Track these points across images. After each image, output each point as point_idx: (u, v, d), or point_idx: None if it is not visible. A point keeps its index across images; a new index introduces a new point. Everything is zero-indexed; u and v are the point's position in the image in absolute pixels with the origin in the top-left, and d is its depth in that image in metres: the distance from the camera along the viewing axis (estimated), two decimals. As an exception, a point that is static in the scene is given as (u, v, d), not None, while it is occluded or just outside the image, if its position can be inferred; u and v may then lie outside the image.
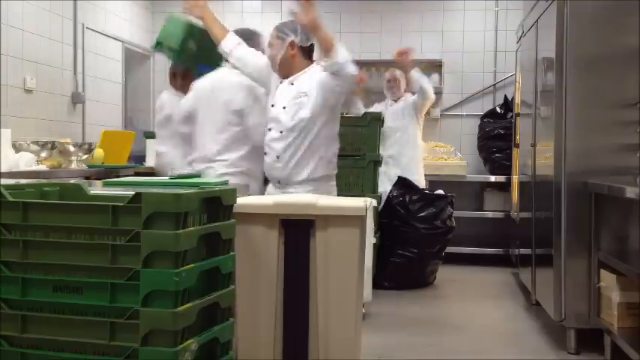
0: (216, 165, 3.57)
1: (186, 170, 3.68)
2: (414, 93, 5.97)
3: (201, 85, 3.73)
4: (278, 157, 3.37)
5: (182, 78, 4.67)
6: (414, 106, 5.91)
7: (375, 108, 6.06)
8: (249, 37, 3.70)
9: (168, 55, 4.20)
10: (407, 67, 5.83)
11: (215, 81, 3.69)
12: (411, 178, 5.70)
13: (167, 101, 4.39)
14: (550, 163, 3.88)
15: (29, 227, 1.95)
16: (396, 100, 6.06)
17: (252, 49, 3.60)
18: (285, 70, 3.43)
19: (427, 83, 5.87)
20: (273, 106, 3.42)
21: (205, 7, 3.60)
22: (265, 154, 3.44)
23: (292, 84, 3.40)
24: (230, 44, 3.55)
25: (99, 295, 1.89)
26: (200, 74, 3.96)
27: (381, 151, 5.39)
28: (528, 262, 4.72)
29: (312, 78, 3.38)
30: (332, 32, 3.30)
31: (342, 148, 5.08)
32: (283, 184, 3.40)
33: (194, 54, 4.10)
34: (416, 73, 5.82)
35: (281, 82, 3.45)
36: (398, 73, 6.05)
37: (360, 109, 5.75)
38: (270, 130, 3.41)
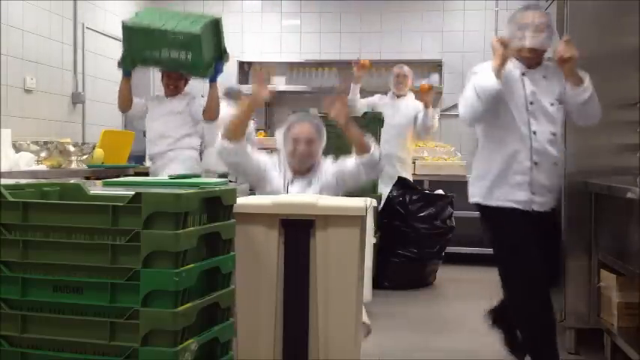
0: None
1: None
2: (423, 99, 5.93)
3: None
4: None
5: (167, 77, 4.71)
6: (414, 120, 5.88)
7: (377, 98, 6.02)
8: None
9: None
10: (428, 103, 5.79)
11: None
12: (393, 171, 5.70)
13: None
14: (550, 163, 3.88)
15: (29, 227, 1.95)
16: (399, 96, 6.01)
17: None
18: (307, 167, 3.39)
19: (435, 125, 5.87)
20: None
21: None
22: None
23: (311, 183, 3.36)
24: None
25: (99, 295, 1.89)
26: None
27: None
28: (528, 262, 4.71)
29: (325, 172, 3.40)
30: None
31: (342, 148, 5.07)
32: None
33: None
34: (434, 113, 5.80)
35: (292, 182, 3.36)
36: (406, 69, 6.03)
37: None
38: None
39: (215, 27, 4.43)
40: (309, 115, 3.51)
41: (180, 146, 4.67)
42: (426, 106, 5.75)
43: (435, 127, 5.88)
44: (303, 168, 3.37)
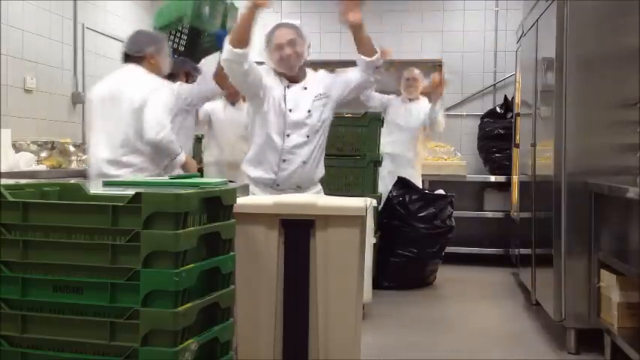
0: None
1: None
2: (426, 94, 5.97)
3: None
4: (304, 162, 3.36)
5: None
6: (424, 120, 5.90)
7: (390, 101, 6.03)
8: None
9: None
10: (437, 97, 5.80)
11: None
12: (403, 173, 5.72)
13: None
14: (550, 163, 3.88)
15: (29, 227, 1.95)
16: (411, 100, 6.01)
17: None
18: (299, 72, 3.43)
19: (442, 119, 5.89)
20: (290, 110, 3.35)
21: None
22: (284, 161, 3.35)
23: (306, 88, 3.41)
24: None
25: (99, 295, 1.89)
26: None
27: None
28: (528, 262, 4.72)
29: (319, 81, 3.46)
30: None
31: (342, 148, 5.07)
32: (304, 188, 3.40)
33: None
34: (439, 109, 5.82)
35: (288, 87, 3.38)
36: (417, 72, 6.03)
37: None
38: (288, 136, 3.34)
39: None
40: (284, 22, 3.48)
41: None
42: (432, 102, 5.81)
43: (440, 122, 5.89)
44: (293, 72, 3.39)
